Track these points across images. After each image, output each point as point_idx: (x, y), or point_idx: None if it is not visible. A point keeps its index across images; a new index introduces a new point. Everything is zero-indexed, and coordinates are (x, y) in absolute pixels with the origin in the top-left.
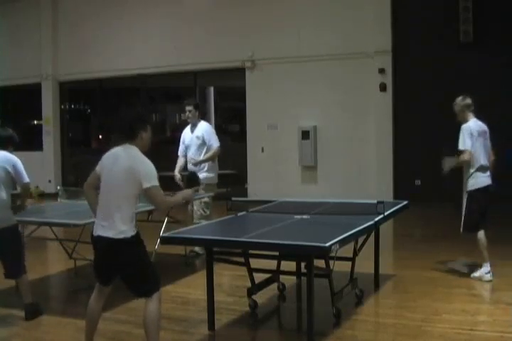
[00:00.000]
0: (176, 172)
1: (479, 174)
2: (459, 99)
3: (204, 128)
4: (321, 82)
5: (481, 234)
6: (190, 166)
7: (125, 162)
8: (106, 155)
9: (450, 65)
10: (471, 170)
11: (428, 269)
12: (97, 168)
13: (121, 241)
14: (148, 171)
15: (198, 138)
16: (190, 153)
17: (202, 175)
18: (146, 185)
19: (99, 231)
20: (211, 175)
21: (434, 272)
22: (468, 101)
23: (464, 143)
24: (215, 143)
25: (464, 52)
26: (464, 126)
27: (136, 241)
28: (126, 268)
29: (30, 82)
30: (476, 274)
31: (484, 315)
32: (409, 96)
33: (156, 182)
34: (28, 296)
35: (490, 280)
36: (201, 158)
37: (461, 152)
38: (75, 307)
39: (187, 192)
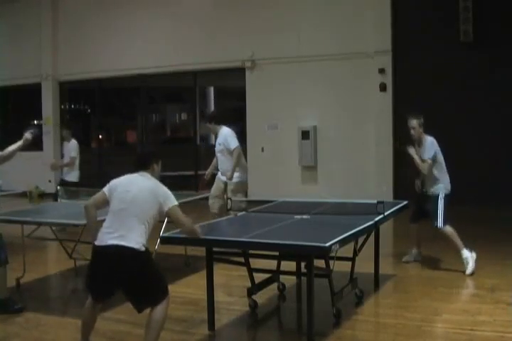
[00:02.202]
0: (208, 171)
1: (448, 179)
2: (415, 116)
3: (223, 133)
4: (321, 82)
5: (449, 227)
6: (219, 173)
7: (146, 183)
8: (117, 179)
9: (450, 65)
10: (442, 176)
11: (428, 269)
12: (106, 191)
13: (137, 253)
14: (168, 193)
15: (219, 144)
16: (218, 160)
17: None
18: (169, 205)
19: (112, 240)
20: (235, 174)
21: (434, 272)
22: (422, 119)
23: (427, 153)
24: (233, 144)
25: (464, 52)
26: (429, 140)
27: (148, 255)
28: (137, 282)
29: (30, 82)
30: (469, 269)
31: (484, 315)
32: (409, 96)
33: (175, 202)
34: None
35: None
36: (229, 168)
37: (424, 161)
38: (75, 307)
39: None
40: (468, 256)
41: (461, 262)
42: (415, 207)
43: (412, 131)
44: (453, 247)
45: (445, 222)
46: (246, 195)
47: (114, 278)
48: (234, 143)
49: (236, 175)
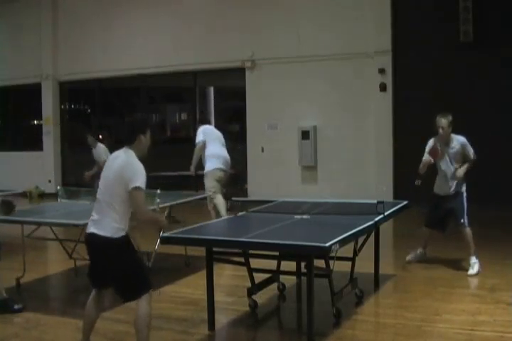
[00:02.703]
0: None
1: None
2: (443, 115)
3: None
4: (321, 82)
5: (469, 229)
6: None
7: (119, 163)
8: (107, 160)
9: (450, 65)
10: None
11: (428, 269)
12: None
13: (109, 240)
14: (136, 173)
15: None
16: None
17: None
18: (131, 185)
19: (92, 228)
20: (205, 166)
21: (434, 272)
22: (451, 118)
23: (472, 151)
24: (196, 140)
25: (464, 52)
26: (465, 140)
27: (124, 242)
28: (113, 269)
29: (30, 82)
30: (474, 271)
31: (484, 315)
32: (409, 96)
33: (140, 184)
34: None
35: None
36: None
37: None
38: (75, 307)
39: (164, 220)
40: (477, 262)
41: (466, 264)
42: (434, 212)
43: (441, 131)
44: (466, 249)
45: (469, 222)
46: (223, 185)
47: (98, 264)
48: (198, 138)
49: (206, 167)
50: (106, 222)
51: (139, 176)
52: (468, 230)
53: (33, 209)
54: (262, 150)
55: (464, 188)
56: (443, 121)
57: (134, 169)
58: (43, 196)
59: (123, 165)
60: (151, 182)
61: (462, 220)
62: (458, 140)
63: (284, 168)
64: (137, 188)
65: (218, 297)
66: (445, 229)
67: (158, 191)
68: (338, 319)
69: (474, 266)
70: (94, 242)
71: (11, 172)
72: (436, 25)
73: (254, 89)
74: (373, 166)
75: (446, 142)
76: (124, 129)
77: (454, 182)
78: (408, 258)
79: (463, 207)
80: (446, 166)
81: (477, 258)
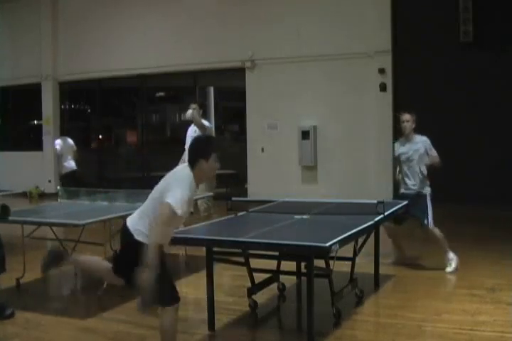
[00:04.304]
0: None
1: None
2: (408, 113)
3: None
4: (321, 82)
5: (437, 228)
6: None
7: (170, 177)
8: None
9: (450, 65)
10: (426, 177)
11: (428, 269)
12: None
13: (133, 237)
14: (177, 191)
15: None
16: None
17: None
18: (166, 199)
19: (128, 219)
20: None
21: (434, 272)
22: (414, 117)
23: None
24: (207, 123)
25: (464, 52)
26: (426, 139)
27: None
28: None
29: (30, 82)
30: (451, 268)
31: (484, 315)
32: (409, 96)
33: (174, 202)
34: None
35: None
36: None
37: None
38: (75, 307)
39: (147, 276)
40: (454, 258)
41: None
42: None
43: (405, 124)
44: (440, 247)
45: (433, 222)
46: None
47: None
48: (206, 122)
49: None
50: (140, 222)
51: (177, 193)
52: (435, 230)
53: (33, 209)
54: (262, 150)
55: (428, 189)
56: (407, 116)
57: (179, 187)
58: (43, 196)
59: (172, 181)
60: (151, 183)
61: (426, 221)
62: (421, 139)
63: (284, 168)
64: (170, 205)
65: (218, 297)
66: (401, 223)
67: None
68: (338, 319)
69: (452, 262)
70: (123, 234)
71: (11, 172)
72: (436, 25)
73: (254, 89)
74: (373, 166)
75: (408, 138)
76: (189, 150)
77: (417, 180)
78: (390, 261)
79: (426, 208)
80: (408, 165)
81: (452, 253)
